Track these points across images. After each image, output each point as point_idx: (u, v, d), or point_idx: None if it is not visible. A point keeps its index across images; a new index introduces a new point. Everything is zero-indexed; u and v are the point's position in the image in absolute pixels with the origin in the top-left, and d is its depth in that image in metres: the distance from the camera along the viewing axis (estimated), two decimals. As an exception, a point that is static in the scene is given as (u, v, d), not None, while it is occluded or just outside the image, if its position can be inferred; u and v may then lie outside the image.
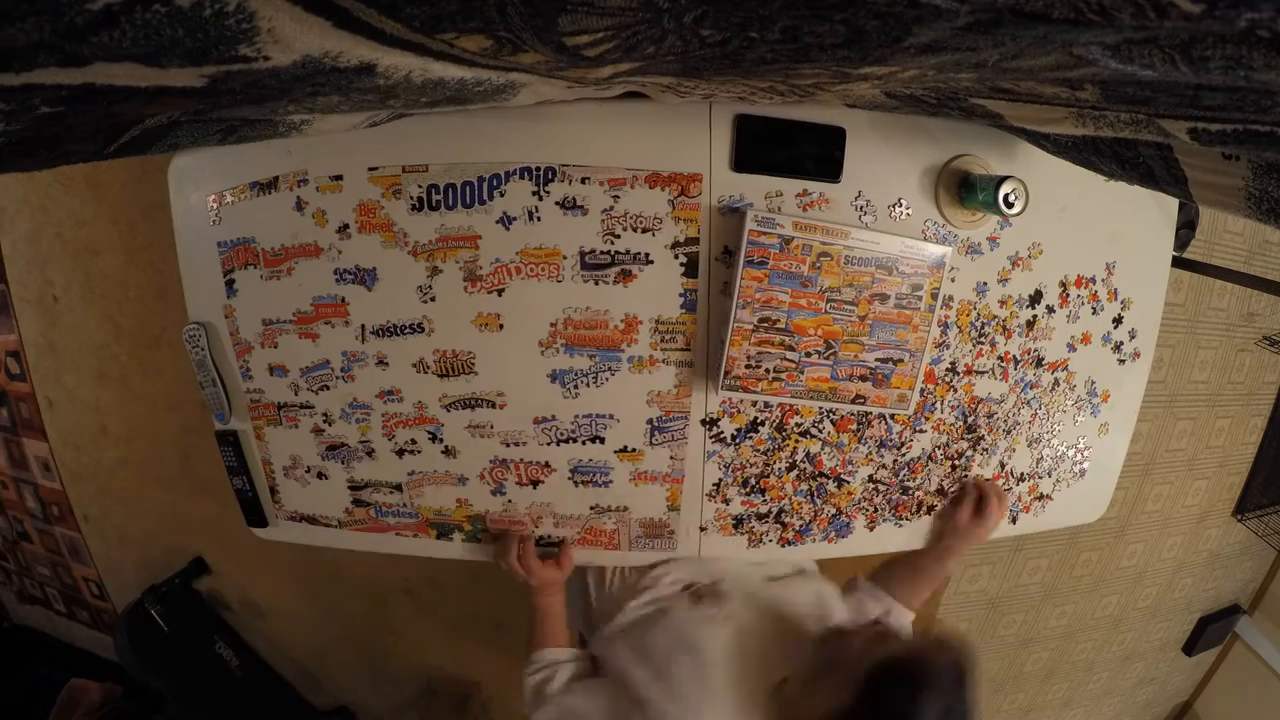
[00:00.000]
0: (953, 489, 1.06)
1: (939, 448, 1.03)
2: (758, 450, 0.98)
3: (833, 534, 1.06)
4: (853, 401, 0.94)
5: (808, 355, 0.89)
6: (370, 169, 0.85)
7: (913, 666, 0.66)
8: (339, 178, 0.86)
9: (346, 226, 0.87)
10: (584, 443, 0.96)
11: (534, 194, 0.85)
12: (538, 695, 0.90)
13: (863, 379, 0.92)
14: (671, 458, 0.97)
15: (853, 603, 1.01)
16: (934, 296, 0.90)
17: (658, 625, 0.88)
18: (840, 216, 0.89)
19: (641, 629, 0.89)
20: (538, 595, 0.99)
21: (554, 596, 0.99)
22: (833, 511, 1.04)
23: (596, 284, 0.88)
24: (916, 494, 1.06)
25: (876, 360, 0.92)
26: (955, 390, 1.00)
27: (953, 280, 0.94)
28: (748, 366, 0.89)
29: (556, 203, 0.85)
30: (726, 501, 1.01)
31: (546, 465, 0.97)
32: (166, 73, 0.35)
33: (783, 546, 1.05)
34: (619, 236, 0.86)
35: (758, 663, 0.80)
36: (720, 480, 1.00)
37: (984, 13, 0.32)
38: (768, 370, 0.89)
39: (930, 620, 2.36)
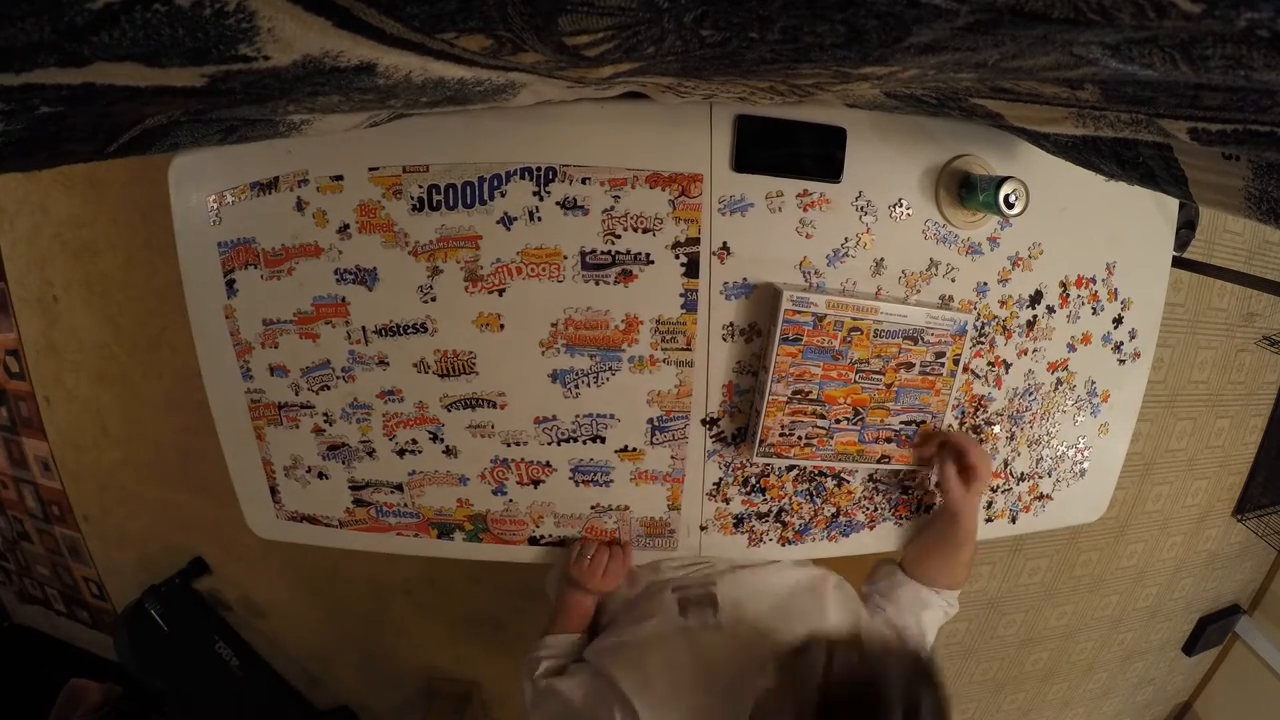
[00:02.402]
0: (920, 445, 0.97)
1: (939, 448, 1.03)
2: (758, 450, 0.98)
3: (833, 533, 1.06)
4: (878, 461, 0.97)
5: (837, 422, 0.94)
6: (371, 169, 0.85)
7: (865, 690, 0.61)
8: (339, 178, 0.86)
9: (347, 226, 0.87)
10: (585, 442, 0.96)
11: (535, 194, 0.85)
12: (533, 678, 0.93)
13: (888, 440, 0.96)
14: (672, 457, 0.97)
15: (871, 597, 0.99)
16: (955, 362, 0.93)
17: (643, 634, 0.87)
18: (841, 217, 0.89)
19: (629, 635, 0.88)
20: (580, 594, 0.98)
21: (591, 600, 0.99)
22: (832, 511, 1.04)
23: (597, 284, 0.88)
24: (916, 493, 1.06)
25: (901, 423, 0.95)
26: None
27: (953, 280, 0.94)
28: (781, 434, 0.93)
29: (557, 203, 0.85)
30: (727, 500, 1.01)
31: (547, 465, 0.97)
32: (167, 72, 0.35)
33: (782, 546, 1.05)
34: (620, 237, 0.87)
35: (736, 677, 0.77)
36: (721, 479, 1.00)
37: (984, 13, 0.32)
38: (800, 437, 0.93)
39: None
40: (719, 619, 0.87)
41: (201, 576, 2.40)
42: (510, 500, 1.00)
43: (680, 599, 0.91)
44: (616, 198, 0.85)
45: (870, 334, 0.89)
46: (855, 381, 0.91)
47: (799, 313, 0.86)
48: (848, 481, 1.03)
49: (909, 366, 0.92)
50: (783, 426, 0.92)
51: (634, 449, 0.96)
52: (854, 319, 0.88)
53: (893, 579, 1.02)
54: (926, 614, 0.98)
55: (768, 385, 0.89)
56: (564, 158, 0.84)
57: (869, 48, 0.39)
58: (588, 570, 0.96)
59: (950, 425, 1.01)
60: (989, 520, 1.11)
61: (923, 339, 0.91)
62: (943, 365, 0.93)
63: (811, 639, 0.69)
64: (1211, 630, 2.79)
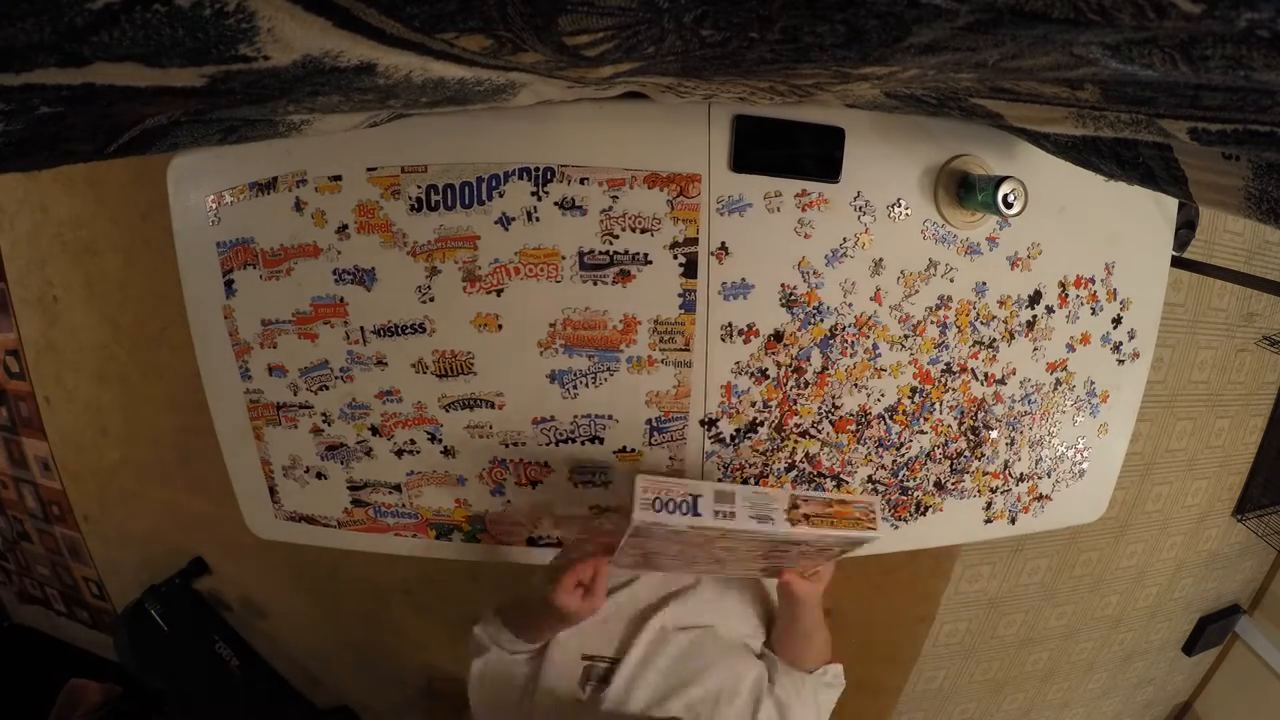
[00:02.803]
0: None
1: (937, 447, 1.03)
2: (757, 451, 0.98)
3: (832, 534, 1.06)
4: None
5: None
6: (369, 169, 0.85)
7: None
8: (338, 178, 0.86)
9: (345, 227, 0.87)
10: (583, 443, 0.96)
11: (533, 194, 0.85)
12: (479, 648, 0.89)
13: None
14: (670, 458, 0.97)
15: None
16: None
17: (543, 692, 0.83)
18: (839, 217, 0.89)
19: (533, 693, 0.84)
20: (559, 621, 0.85)
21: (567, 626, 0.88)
22: (832, 511, 1.04)
23: (595, 284, 0.88)
24: (915, 494, 1.06)
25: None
26: (952, 391, 1.00)
27: (951, 281, 0.94)
28: None
29: (555, 203, 0.85)
30: (726, 501, 1.01)
31: (545, 465, 0.97)
32: (167, 73, 0.35)
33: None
34: (618, 237, 0.86)
35: None
36: (719, 480, 1.00)
37: (984, 12, 0.32)
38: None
39: (929, 621, 2.36)
40: (604, 702, 0.81)
41: (201, 576, 2.40)
42: (508, 501, 1.00)
43: (586, 669, 0.85)
44: (615, 198, 0.85)
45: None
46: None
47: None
48: (847, 483, 1.03)
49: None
50: None
51: (632, 450, 0.96)
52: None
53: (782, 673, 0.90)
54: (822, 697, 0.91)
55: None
56: (562, 158, 0.84)
57: (869, 48, 0.39)
58: (572, 600, 0.81)
59: (949, 426, 1.01)
60: (988, 521, 1.11)
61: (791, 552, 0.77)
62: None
63: None
64: (1211, 630, 2.79)
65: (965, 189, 0.89)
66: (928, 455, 1.03)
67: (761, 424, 0.96)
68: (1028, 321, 0.99)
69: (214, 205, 0.91)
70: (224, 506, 1.08)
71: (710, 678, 0.84)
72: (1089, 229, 0.98)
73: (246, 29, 0.32)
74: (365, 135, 0.82)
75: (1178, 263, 1.23)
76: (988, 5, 0.31)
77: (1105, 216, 0.98)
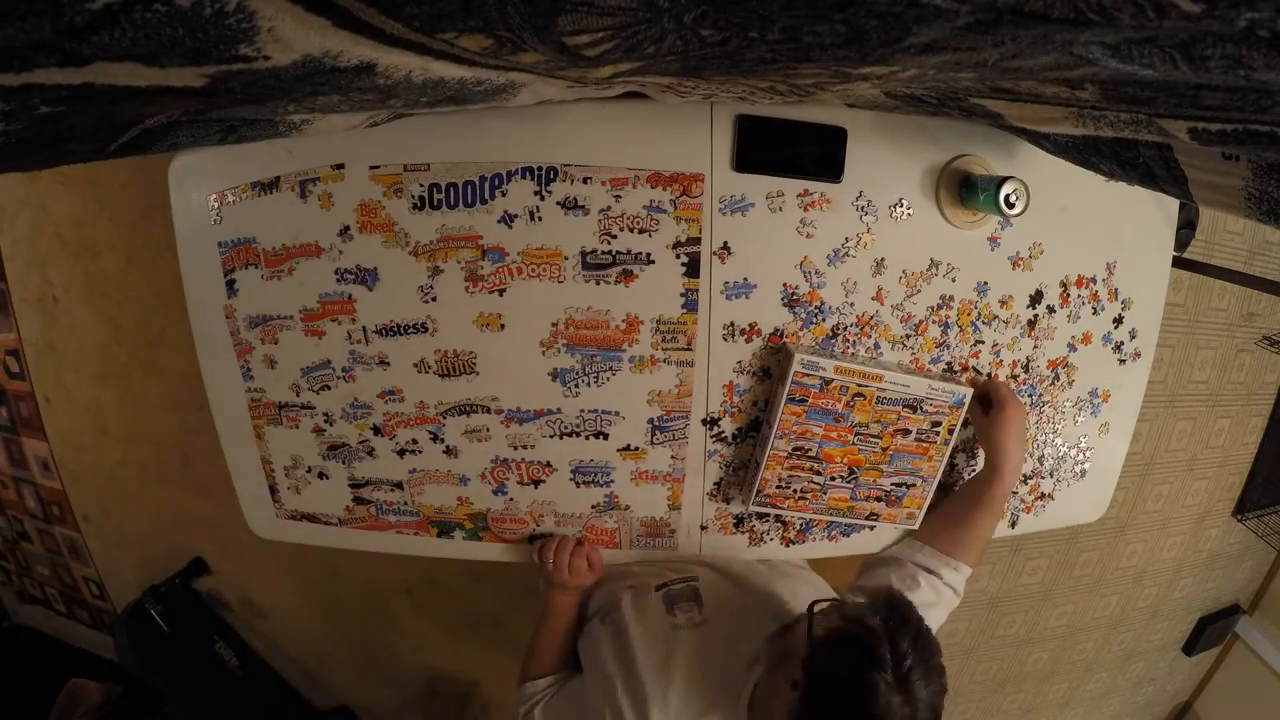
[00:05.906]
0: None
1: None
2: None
3: (834, 533, 1.06)
4: (866, 518, 1.00)
5: (832, 479, 0.96)
6: (372, 168, 0.85)
7: (849, 638, 0.63)
8: (339, 166, 0.86)
9: (348, 228, 0.87)
10: (587, 438, 0.96)
11: (535, 194, 0.85)
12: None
13: (878, 500, 0.99)
14: (672, 457, 0.97)
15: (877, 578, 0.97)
16: (950, 432, 0.95)
17: (632, 631, 0.88)
18: (841, 216, 0.89)
19: (618, 634, 0.90)
20: (559, 593, 0.99)
21: (572, 597, 1.00)
22: (833, 511, 1.04)
23: (598, 284, 0.88)
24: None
25: (892, 484, 0.98)
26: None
27: (953, 280, 0.94)
28: (778, 487, 0.96)
29: (558, 202, 0.85)
30: (728, 500, 1.01)
31: (548, 465, 0.97)
32: (166, 72, 0.35)
33: (785, 546, 1.05)
34: (620, 236, 0.86)
35: (729, 669, 0.81)
36: (721, 479, 1.00)
37: (984, 12, 0.31)
38: (795, 490, 0.96)
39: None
40: (704, 614, 0.89)
41: (201, 576, 2.40)
42: (510, 499, 1.00)
43: (665, 596, 0.92)
44: (617, 197, 0.85)
45: (873, 400, 0.91)
46: (853, 443, 0.94)
47: (807, 375, 0.88)
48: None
49: (905, 433, 0.94)
50: (780, 479, 0.95)
51: (635, 448, 0.96)
52: (859, 385, 0.90)
53: (910, 552, 0.99)
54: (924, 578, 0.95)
55: (770, 440, 0.91)
56: (565, 157, 0.84)
57: (869, 48, 0.39)
58: (556, 569, 0.97)
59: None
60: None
61: (922, 408, 0.93)
62: (938, 434, 0.95)
63: (790, 616, 0.74)
64: (1211, 630, 2.79)
65: (967, 189, 0.89)
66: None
67: (764, 423, 0.96)
68: (1029, 321, 0.99)
69: (216, 204, 0.91)
70: (224, 506, 1.08)
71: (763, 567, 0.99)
72: (1090, 229, 0.98)
73: (246, 29, 0.32)
74: (367, 134, 0.82)
75: (1178, 263, 1.23)
76: (988, 5, 0.31)
77: (1106, 216, 0.98)
